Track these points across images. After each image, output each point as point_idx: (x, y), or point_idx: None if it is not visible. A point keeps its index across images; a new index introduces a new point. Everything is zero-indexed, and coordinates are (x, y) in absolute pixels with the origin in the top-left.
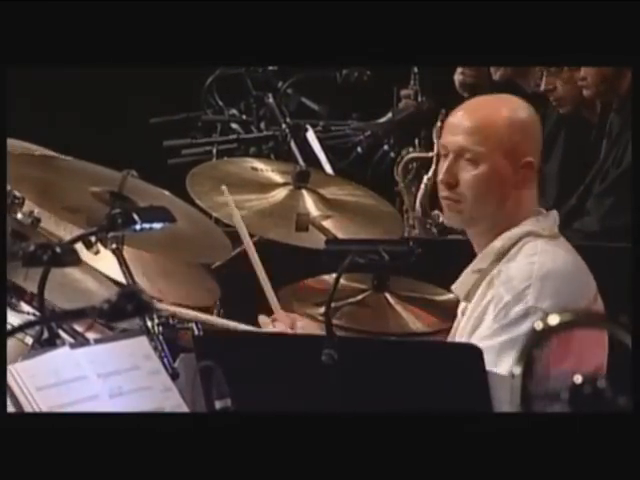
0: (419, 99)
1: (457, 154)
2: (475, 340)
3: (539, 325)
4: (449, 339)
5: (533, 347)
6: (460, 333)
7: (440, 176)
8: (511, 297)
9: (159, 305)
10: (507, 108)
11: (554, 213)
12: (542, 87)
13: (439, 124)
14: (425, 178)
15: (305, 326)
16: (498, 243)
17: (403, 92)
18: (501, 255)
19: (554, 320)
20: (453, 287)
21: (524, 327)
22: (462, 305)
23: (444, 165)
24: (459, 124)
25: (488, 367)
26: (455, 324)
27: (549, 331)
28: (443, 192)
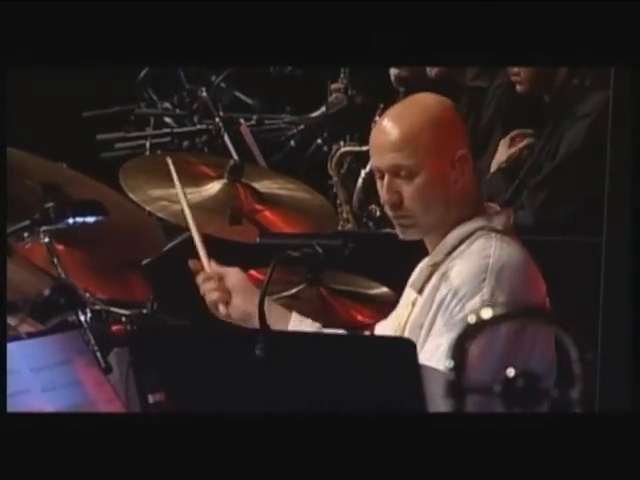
0: (349, 93)
1: (392, 173)
2: (433, 335)
3: (472, 318)
4: (393, 328)
5: (466, 340)
6: (412, 325)
7: (383, 197)
8: (467, 291)
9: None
10: (422, 111)
11: (508, 210)
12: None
13: (377, 118)
14: (363, 172)
15: (235, 285)
16: (450, 239)
17: (333, 86)
18: (453, 249)
19: (487, 314)
20: (409, 282)
21: None
22: (413, 296)
23: (383, 186)
24: (383, 143)
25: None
26: (399, 312)
27: (482, 324)
28: (391, 212)
